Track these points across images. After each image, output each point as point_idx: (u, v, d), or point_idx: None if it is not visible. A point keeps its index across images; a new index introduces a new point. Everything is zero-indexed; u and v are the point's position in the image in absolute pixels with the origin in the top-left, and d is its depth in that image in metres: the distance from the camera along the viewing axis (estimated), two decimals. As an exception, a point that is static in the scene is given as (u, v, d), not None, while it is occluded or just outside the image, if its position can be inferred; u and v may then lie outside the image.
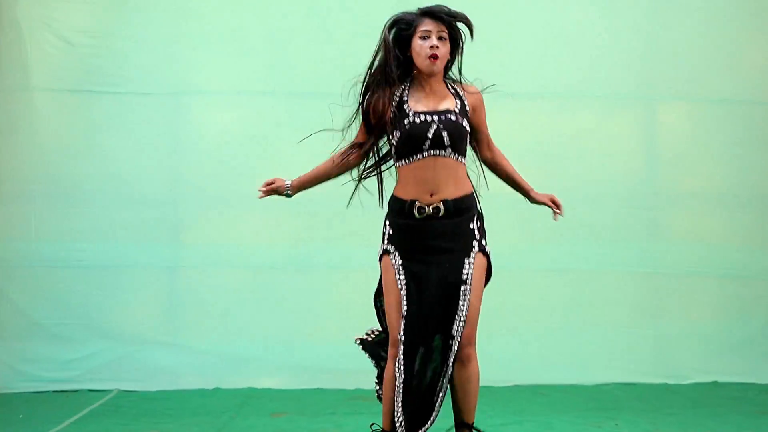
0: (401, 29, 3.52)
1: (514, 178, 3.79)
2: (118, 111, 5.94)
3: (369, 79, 3.60)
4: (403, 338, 3.41)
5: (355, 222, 5.47)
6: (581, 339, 5.96)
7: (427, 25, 3.46)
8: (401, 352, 3.41)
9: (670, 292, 6.05)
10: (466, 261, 3.50)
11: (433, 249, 3.49)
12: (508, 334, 5.85)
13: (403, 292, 3.45)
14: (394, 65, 3.52)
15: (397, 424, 3.44)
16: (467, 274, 3.48)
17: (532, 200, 3.79)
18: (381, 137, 3.60)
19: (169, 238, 6.02)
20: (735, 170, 6.10)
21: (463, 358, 3.49)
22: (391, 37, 3.52)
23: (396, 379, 3.45)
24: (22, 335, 5.86)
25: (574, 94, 6.02)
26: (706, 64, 6.04)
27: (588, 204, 5.99)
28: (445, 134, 3.44)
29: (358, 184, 3.71)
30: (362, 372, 5.33)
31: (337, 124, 5.82)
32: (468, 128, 3.53)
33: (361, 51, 5.70)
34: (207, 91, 6.05)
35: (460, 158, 3.49)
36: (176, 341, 5.97)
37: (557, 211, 3.76)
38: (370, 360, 3.87)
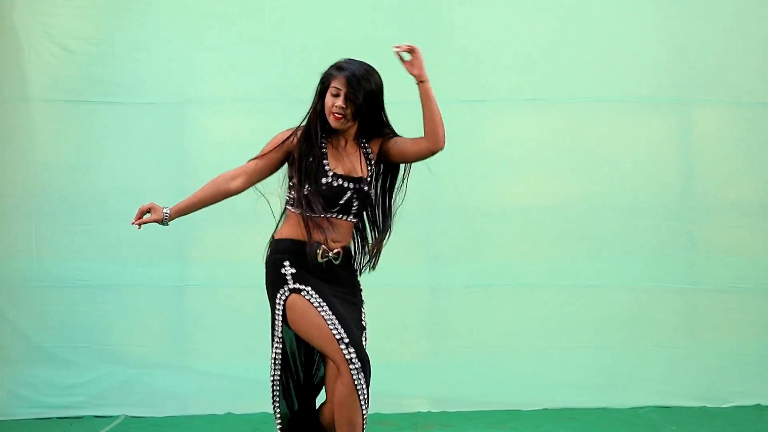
0: (322, 81, 3.58)
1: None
2: (121, 122, 5.89)
3: (304, 126, 3.64)
4: (347, 337, 3.42)
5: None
6: (614, 359, 5.86)
7: (338, 82, 3.48)
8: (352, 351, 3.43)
9: (708, 309, 5.92)
10: (363, 311, 3.64)
11: (338, 292, 3.57)
12: (537, 354, 5.80)
13: (326, 309, 3.47)
14: (318, 122, 3.58)
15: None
16: (365, 322, 3.62)
17: (417, 79, 3.53)
18: (277, 174, 3.68)
19: (175, 256, 5.94)
20: None
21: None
22: (318, 90, 3.60)
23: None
24: (22, 359, 5.81)
25: (605, 98, 5.91)
26: (742, 67, 5.88)
27: (621, 216, 5.93)
28: (356, 203, 3.52)
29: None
30: (380, 395, 5.39)
31: None
32: (372, 195, 3.62)
33: (368, 60, 5.76)
34: (212, 100, 6.00)
35: (355, 220, 3.59)
36: (185, 364, 5.89)
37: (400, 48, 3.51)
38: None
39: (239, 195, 5.56)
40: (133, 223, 3.64)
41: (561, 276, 5.86)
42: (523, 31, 5.89)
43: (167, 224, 3.71)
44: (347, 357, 3.37)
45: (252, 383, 5.72)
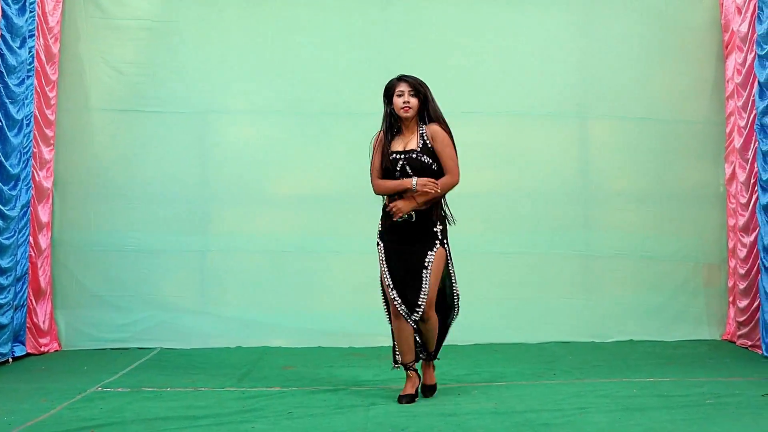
0: (386, 91, 4.51)
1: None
2: (158, 126, 6.37)
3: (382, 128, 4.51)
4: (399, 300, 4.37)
5: (350, 216, 6.20)
6: (528, 307, 6.42)
7: (400, 87, 4.47)
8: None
9: (598, 270, 6.51)
10: (429, 253, 4.42)
11: (406, 241, 4.41)
12: (471, 303, 5.35)
13: (386, 270, 4.40)
14: (390, 120, 4.46)
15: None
16: (428, 262, 4.41)
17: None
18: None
19: (199, 229, 6.40)
20: (650, 174, 6.55)
21: (424, 319, 4.46)
22: (385, 100, 4.49)
23: (404, 330, 4.40)
24: (84, 304, 6.30)
25: (524, 112, 6.48)
26: (627, 89, 6.52)
27: (535, 201, 6.49)
28: (408, 167, 4.41)
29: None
30: (354, 334, 6.29)
31: (327, 135, 6.26)
32: (428, 160, 4.42)
33: (350, 79, 6.26)
34: (230, 111, 6.46)
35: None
36: (206, 310, 6.38)
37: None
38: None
39: (249, 181, 6.22)
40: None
41: (491, 245, 6.44)
42: (465, 59, 6.41)
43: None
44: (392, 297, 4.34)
45: (256, 324, 6.34)
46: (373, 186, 4.47)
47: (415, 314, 4.42)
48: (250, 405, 4.49)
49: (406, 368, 4.51)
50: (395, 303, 4.40)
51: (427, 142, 4.44)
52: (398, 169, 4.43)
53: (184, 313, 6.38)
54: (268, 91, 6.43)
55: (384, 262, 4.43)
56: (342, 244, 6.31)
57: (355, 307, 6.27)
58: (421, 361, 4.64)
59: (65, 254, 6.35)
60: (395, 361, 4.54)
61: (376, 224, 4.66)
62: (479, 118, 6.43)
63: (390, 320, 4.52)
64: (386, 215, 4.42)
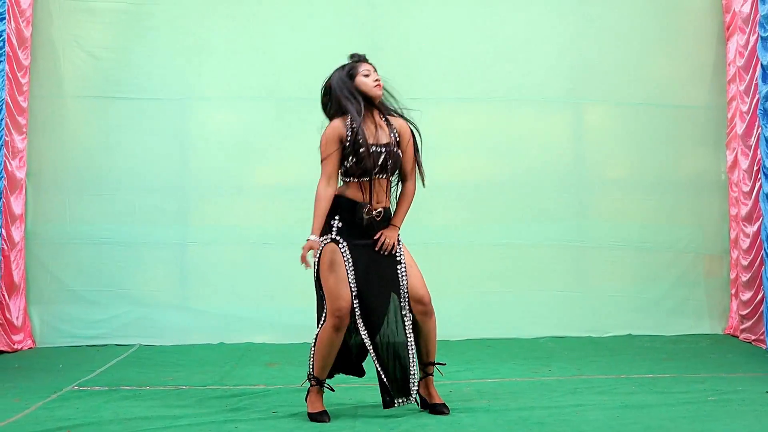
0: (349, 75, 4.07)
1: (400, 207, 4.14)
2: (134, 114, 6.30)
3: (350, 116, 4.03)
4: (358, 308, 3.96)
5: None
6: (522, 301, 6.37)
7: (363, 67, 4.07)
8: (358, 318, 3.96)
9: (593, 261, 6.47)
10: (398, 247, 4.10)
11: (373, 243, 4.04)
12: (461, 297, 6.21)
13: (351, 272, 3.96)
14: (360, 103, 4.03)
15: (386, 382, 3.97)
16: (400, 256, 4.09)
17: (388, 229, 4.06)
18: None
19: (179, 220, 6.36)
20: (647, 162, 6.51)
21: (429, 313, 4.08)
22: (347, 86, 4.07)
23: (351, 345, 4.09)
24: (59, 299, 6.24)
25: (515, 98, 6.42)
26: (623, 74, 6.46)
27: (527, 190, 6.43)
28: (389, 162, 4.02)
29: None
30: None
31: (310, 121, 5.40)
32: (400, 154, 4.07)
33: (328, 62, 5.49)
34: (209, 97, 6.41)
35: (390, 179, 4.07)
36: (186, 305, 6.34)
37: (378, 245, 4.00)
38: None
39: (229, 171, 6.23)
40: (306, 265, 3.86)
41: (479, 236, 6.37)
42: (452, 42, 6.37)
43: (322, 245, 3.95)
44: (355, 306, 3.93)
45: (239, 319, 6.28)
46: (319, 192, 3.98)
47: (406, 321, 4.05)
48: (232, 404, 4.45)
49: (321, 384, 4.12)
50: (354, 308, 3.99)
51: (397, 135, 4.10)
52: (379, 164, 4.02)
53: (163, 308, 6.35)
54: (248, 77, 6.39)
55: (349, 263, 3.99)
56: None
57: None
58: (422, 377, 4.19)
59: (39, 247, 6.31)
60: (312, 377, 4.12)
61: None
62: (468, 104, 6.44)
63: (319, 326, 4.09)
64: (350, 210, 4.02)
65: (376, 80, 4.05)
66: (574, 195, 6.51)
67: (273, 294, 6.34)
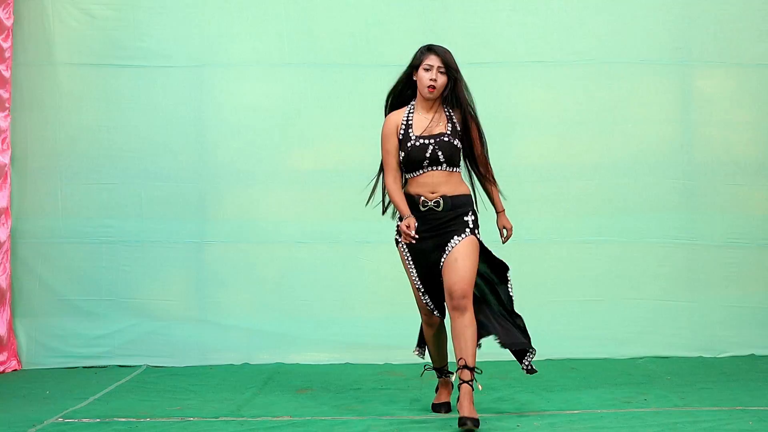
0: (413, 62, 4.27)
1: (492, 195, 4.42)
2: (142, 85, 5.96)
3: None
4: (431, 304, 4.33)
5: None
6: (615, 312, 5.95)
7: (430, 60, 4.19)
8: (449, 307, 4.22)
9: (707, 263, 6.01)
10: (456, 237, 4.20)
11: (433, 229, 4.24)
12: (540, 307, 5.78)
13: (413, 270, 4.31)
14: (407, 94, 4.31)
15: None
16: (453, 245, 4.18)
17: (497, 218, 4.42)
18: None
19: (195, 214, 6.02)
20: None
21: (461, 309, 4.14)
22: (407, 70, 4.29)
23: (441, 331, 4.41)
24: (50, 311, 5.91)
25: (606, 60, 6.00)
26: (743, 28, 5.94)
27: (622, 175, 6.00)
28: (440, 153, 4.21)
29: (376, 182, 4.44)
30: (392, 347, 5.86)
31: (358, 93, 5.96)
32: (459, 144, 4.24)
33: (382, 24, 5.92)
34: (232, 63, 6.05)
35: (453, 169, 4.22)
36: (205, 317, 6.00)
37: (503, 239, 4.41)
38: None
39: (256, 153, 6.18)
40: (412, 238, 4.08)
41: (565, 232, 5.97)
42: None
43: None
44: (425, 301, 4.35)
45: (268, 335, 5.96)
46: (389, 185, 4.35)
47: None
48: (247, 440, 4.20)
49: (442, 373, 4.56)
50: (429, 307, 4.39)
51: (457, 125, 4.29)
52: (428, 156, 4.24)
53: (176, 321, 6.01)
54: (281, 38, 6.01)
55: (410, 262, 4.37)
56: (373, 232, 5.76)
57: (391, 312, 5.95)
58: (454, 382, 4.39)
59: (27, 248, 5.97)
60: (431, 367, 4.61)
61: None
62: (549, 70, 5.98)
63: (422, 329, 4.58)
64: (413, 207, 4.30)
65: (432, 79, 4.22)
66: (682, 181, 6.04)
67: (311, 303, 6.05)
